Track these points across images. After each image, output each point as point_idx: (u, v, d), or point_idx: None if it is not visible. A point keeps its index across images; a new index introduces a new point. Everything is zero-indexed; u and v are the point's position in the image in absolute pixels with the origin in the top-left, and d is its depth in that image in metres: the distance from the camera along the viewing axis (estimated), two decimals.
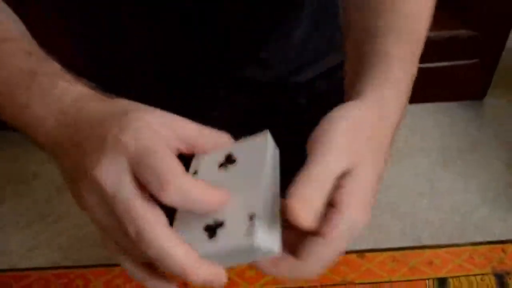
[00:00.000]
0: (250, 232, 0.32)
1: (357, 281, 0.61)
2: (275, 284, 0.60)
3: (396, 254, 0.64)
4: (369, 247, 0.65)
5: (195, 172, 0.37)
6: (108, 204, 0.33)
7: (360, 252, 0.64)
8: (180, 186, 0.32)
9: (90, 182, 0.33)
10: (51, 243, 1.58)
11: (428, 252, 0.64)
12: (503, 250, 0.64)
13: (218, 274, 0.34)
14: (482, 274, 0.62)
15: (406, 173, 1.72)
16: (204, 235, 0.34)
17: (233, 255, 0.33)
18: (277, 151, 0.38)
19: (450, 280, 0.61)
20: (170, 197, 0.31)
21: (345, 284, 0.60)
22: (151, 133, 0.33)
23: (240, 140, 0.38)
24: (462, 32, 1.73)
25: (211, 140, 0.37)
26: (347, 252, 0.63)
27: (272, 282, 0.60)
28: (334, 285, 0.60)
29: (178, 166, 0.32)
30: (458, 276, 0.62)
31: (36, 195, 1.72)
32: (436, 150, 1.81)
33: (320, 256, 0.34)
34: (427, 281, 0.61)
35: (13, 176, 1.78)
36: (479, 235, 1.53)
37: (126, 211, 0.32)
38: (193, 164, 0.38)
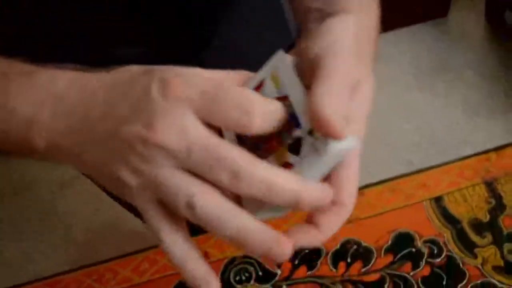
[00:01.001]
0: (324, 146, 0.32)
1: (361, 217, 0.65)
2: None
3: (391, 184, 0.69)
4: (366, 180, 0.69)
5: None
6: (181, 162, 0.30)
7: (359, 190, 0.68)
8: (265, 109, 0.31)
9: (148, 151, 0.29)
10: (65, 244, 1.62)
11: (419, 176, 0.69)
12: (487, 159, 0.69)
13: (325, 188, 0.32)
14: (473, 185, 0.67)
15: (385, 102, 1.75)
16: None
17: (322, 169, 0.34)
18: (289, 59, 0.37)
19: (445, 197, 0.66)
20: (257, 124, 0.30)
21: (351, 222, 0.65)
22: (208, 75, 0.32)
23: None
24: None
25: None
26: None
27: None
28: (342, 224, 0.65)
29: (255, 93, 0.31)
30: (452, 192, 0.67)
31: (36, 198, 1.75)
32: (410, 74, 1.85)
33: (354, 188, 0.35)
34: (424, 203, 0.66)
35: (10, 185, 1.81)
36: (467, 147, 1.59)
37: (212, 156, 0.29)
38: None
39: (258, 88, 0.37)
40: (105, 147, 0.31)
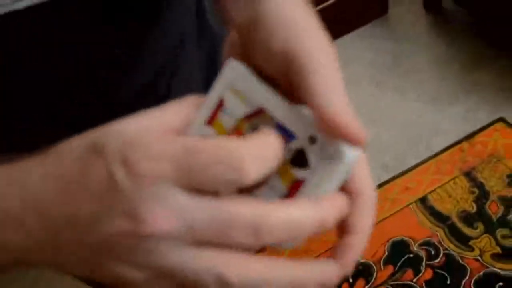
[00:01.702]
0: (331, 153, 0.29)
1: None
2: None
3: None
4: None
5: None
6: (187, 239, 0.26)
7: None
8: (255, 152, 0.26)
9: (145, 243, 0.26)
10: None
11: (400, 180, 0.69)
12: (461, 150, 0.70)
13: (341, 196, 0.30)
14: (453, 179, 0.67)
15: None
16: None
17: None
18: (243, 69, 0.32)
19: (429, 196, 0.66)
20: (252, 174, 0.26)
21: None
22: (162, 136, 0.27)
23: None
24: None
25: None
26: None
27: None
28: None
29: (233, 140, 0.26)
30: (434, 189, 0.67)
31: None
32: (366, 75, 1.87)
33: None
34: (411, 206, 0.66)
35: None
36: (437, 136, 1.61)
37: (221, 223, 0.26)
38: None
39: (218, 109, 0.32)
40: (83, 255, 0.27)
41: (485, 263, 0.59)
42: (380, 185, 0.70)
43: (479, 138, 0.71)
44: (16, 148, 0.30)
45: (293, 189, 0.31)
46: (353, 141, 0.28)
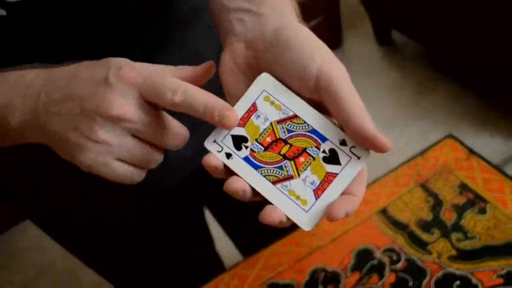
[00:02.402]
0: (360, 154, 0.39)
1: (321, 244, 0.69)
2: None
3: None
4: None
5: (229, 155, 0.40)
6: (132, 129, 0.39)
7: None
8: (185, 88, 0.38)
9: (107, 121, 0.38)
10: None
11: None
12: (416, 164, 0.76)
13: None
14: (410, 190, 0.73)
15: None
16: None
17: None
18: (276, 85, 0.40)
19: (389, 207, 0.72)
20: (176, 99, 0.38)
21: (314, 251, 0.69)
22: (155, 68, 0.40)
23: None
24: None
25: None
26: None
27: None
28: (305, 256, 0.68)
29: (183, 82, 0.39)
30: (393, 201, 0.72)
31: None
32: None
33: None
34: (372, 217, 0.71)
35: None
36: (393, 157, 1.68)
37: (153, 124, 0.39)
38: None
39: (251, 113, 0.40)
40: (69, 121, 0.39)
41: (443, 265, 0.64)
42: None
43: (431, 153, 0.77)
44: None
45: (327, 181, 0.39)
46: (383, 151, 0.37)
